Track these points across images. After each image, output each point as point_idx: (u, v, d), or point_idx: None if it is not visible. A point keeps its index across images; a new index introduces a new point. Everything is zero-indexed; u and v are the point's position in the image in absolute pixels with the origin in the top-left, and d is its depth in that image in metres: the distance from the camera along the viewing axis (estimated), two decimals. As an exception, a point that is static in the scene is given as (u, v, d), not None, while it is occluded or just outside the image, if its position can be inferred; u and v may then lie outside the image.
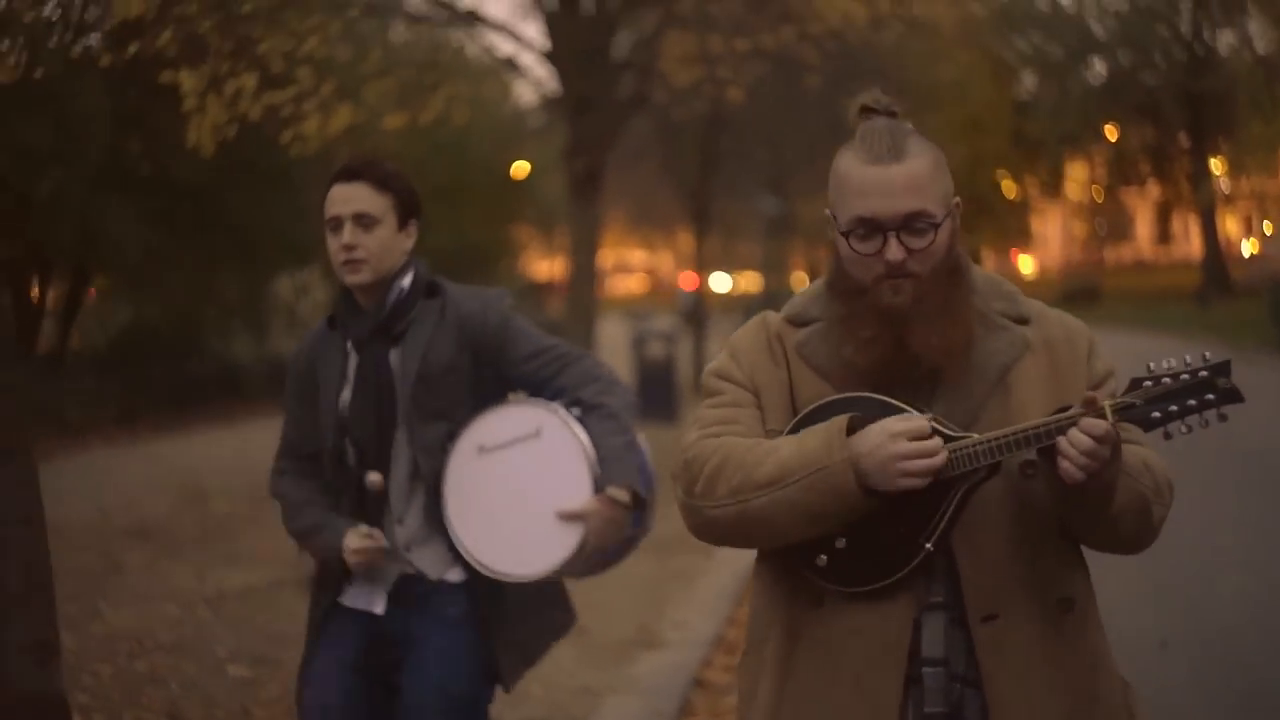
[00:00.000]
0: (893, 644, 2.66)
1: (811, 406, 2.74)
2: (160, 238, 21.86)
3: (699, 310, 31.48)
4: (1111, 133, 57.51)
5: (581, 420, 3.81)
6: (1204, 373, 2.60)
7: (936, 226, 2.68)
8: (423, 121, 13.28)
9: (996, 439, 2.61)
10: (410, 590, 3.84)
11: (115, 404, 22.44)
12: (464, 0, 14.94)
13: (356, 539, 3.79)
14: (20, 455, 5.40)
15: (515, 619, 3.89)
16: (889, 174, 2.66)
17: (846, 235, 2.70)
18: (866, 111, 2.78)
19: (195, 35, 11.17)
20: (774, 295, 38.71)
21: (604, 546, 3.78)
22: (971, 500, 2.65)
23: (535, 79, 18.03)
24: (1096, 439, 2.54)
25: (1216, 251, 54.72)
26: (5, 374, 5.45)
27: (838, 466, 2.59)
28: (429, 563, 3.83)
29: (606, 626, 8.52)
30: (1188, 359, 2.62)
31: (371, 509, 3.83)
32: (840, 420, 2.65)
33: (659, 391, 22.12)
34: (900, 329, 2.67)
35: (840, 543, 2.67)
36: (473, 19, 14.82)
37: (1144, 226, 72.30)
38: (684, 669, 7.61)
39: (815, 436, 2.65)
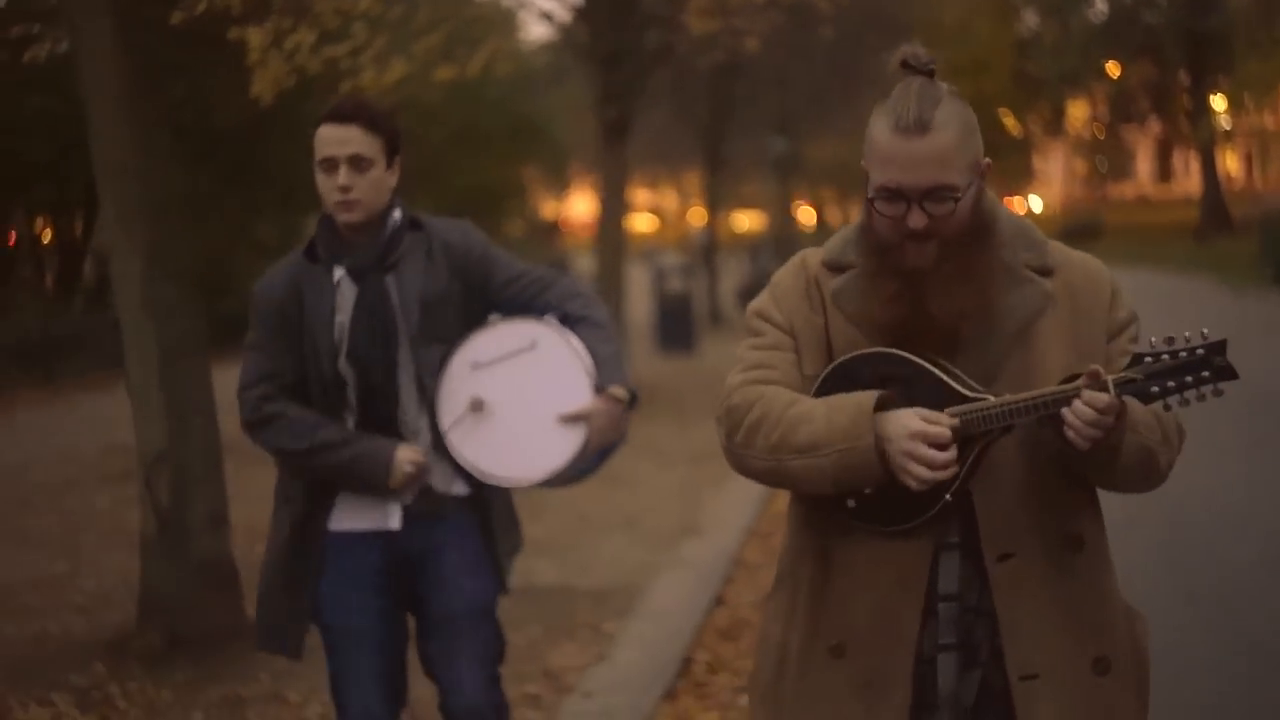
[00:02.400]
0: (912, 579, 2.79)
1: (842, 359, 2.82)
2: (202, 182, 22.98)
3: (710, 247, 32.66)
4: (1113, 70, 58.05)
5: (572, 330, 3.97)
6: (1201, 351, 2.68)
7: (958, 199, 2.72)
8: (470, 74, 14.41)
9: (1009, 404, 2.71)
10: (421, 504, 3.95)
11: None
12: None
13: (411, 452, 3.89)
14: (199, 359, 6.65)
15: (502, 529, 4.10)
16: (913, 147, 2.70)
17: (873, 198, 2.77)
18: (905, 68, 2.78)
19: (260, -7, 12.36)
20: (782, 236, 39.84)
21: (606, 444, 3.94)
22: (989, 449, 2.77)
23: (564, 27, 19.02)
24: (1099, 410, 2.64)
25: (1216, 188, 55.42)
26: (188, 295, 6.69)
27: (864, 448, 2.69)
28: (438, 477, 3.95)
29: (655, 520, 9.81)
30: (1187, 336, 2.70)
31: (383, 423, 3.93)
32: (868, 399, 2.73)
33: (678, 323, 23.41)
34: (920, 290, 2.75)
35: (868, 490, 2.79)
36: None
37: (1145, 163, 73.06)
38: (724, 550, 8.88)
39: (845, 412, 2.73)
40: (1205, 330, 2.69)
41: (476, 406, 3.92)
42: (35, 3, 13.66)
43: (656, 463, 12.22)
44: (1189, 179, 66.43)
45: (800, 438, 2.74)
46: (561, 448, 3.89)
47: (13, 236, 26.08)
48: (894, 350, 2.77)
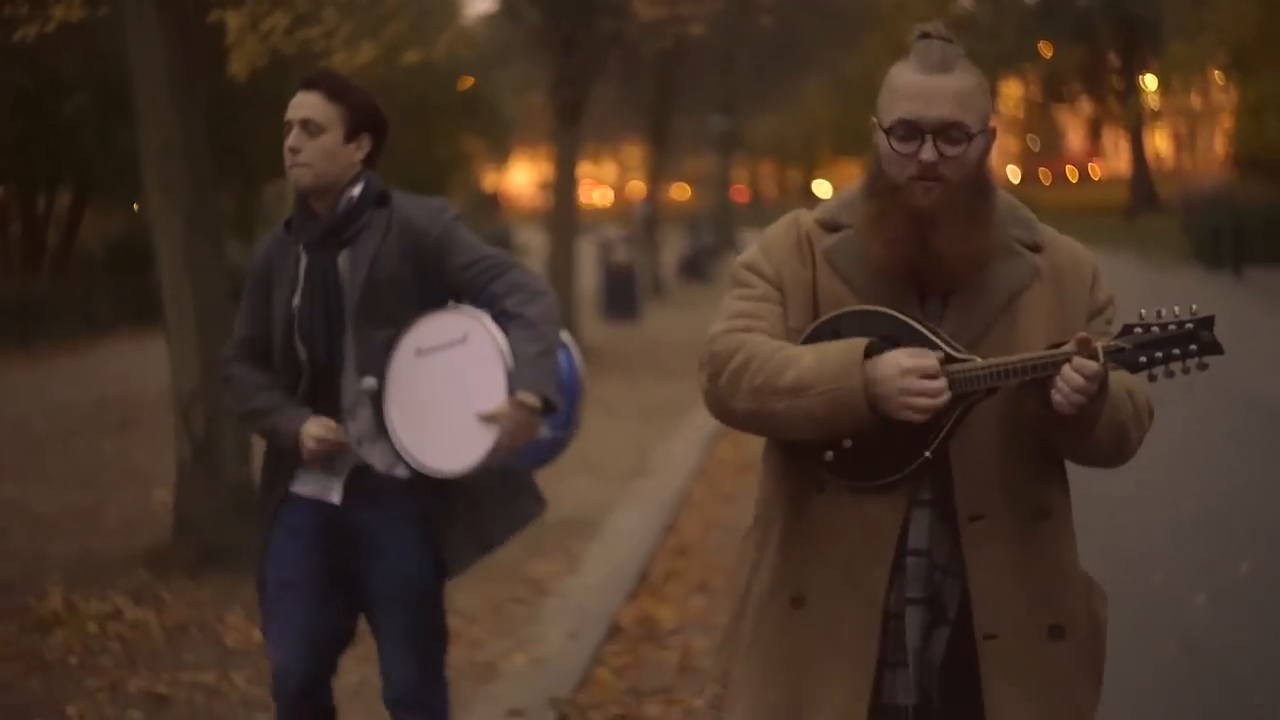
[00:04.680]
0: (883, 534, 2.83)
1: (829, 315, 2.86)
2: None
3: (653, 222, 33.74)
4: (1046, 51, 59.26)
5: (503, 328, 3.94)
6: (1190, 325, 2.74)
7: (970, 137, 2.81)
8: (435, 57, 15.45)
9: (997, 366, 2.75)
10: (363, 483, 4.00)
11: (128, 304, 24.59)
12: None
13: (318, 427, 3.95)
14: (227, 307, 7.72)
15: (470, 509, 4.06)
16: (934, 83, 2.81)
17: (888, 134, 2.83)
18: (924, 36, 2.88)
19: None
20: (720, 210, 41.02)
21: (516, 446, 3.91)
22: (970, 411, 2.81)
23: (515, 10, 20.02)
24: (1087, 378, 2.70)
25: (1144, 168, 56.82)
26: (218, 253, 7.77)
27: (854, 389, 2.72)
28: (378, 457, 3.98)
29: (611, 464, 10.99)
30: (1176, 310, 2.76)
31: (324, 405, 3.98)
32: (859, 343, 2.76)
33: (622, 293, 24.56)
34: (926, 229, 2.79)
35: (847, 443, 2.82)
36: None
37: (1076, 142, 74.57)
38: (673, 488, 10.11)
39: (835, 355, 2.77)
40: (1194, 306, 2.78)
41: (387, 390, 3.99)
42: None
43: (608, 416, 13.37)
44: (1119, 159, 67.74)
45: (787, 380, 2.78)
46: (476, 445, 3.90)
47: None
48: (883, 309, 2.83)
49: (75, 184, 28.11)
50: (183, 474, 7.80)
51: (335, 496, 4.01)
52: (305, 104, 3.94)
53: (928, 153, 2.78)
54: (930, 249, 2.79)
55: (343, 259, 3.97)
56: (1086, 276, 2.96)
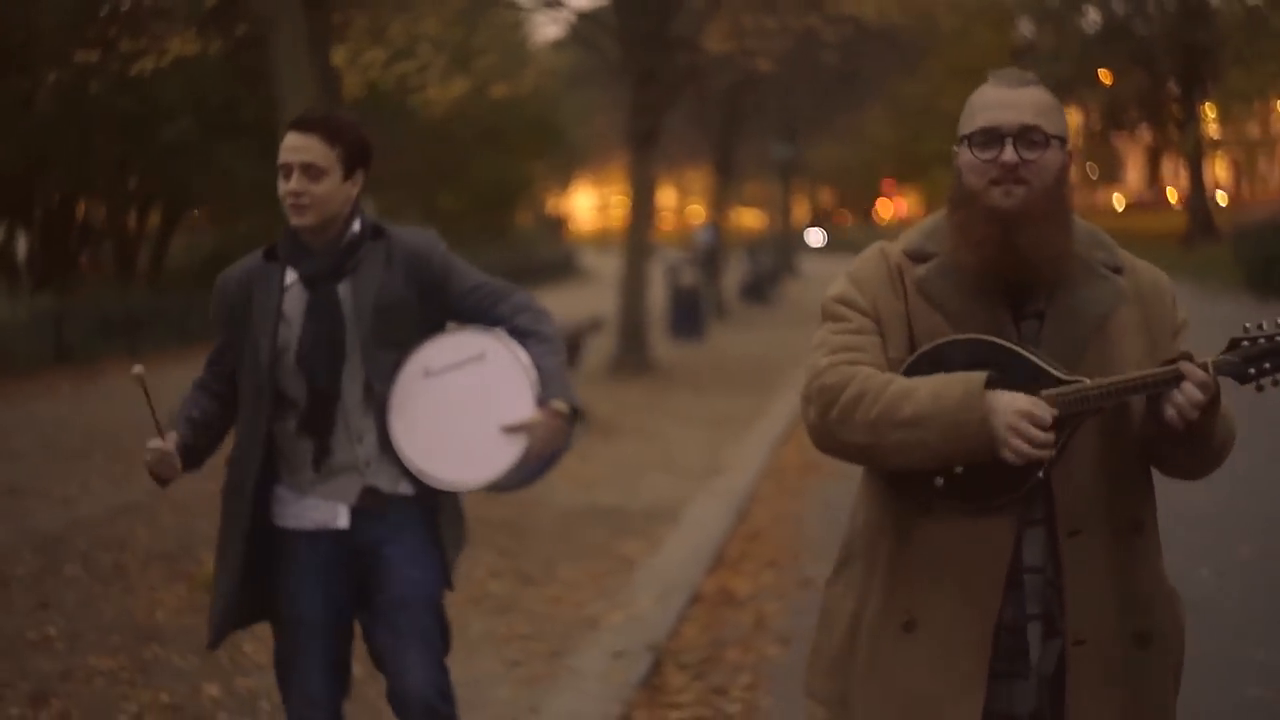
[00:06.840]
0: (997, 553, 2.90)
1: (930, 345, 2.92)
2: (262, 174, 25.28)
3: (716, 245, 34.76)
4: (1106, 78, 59.70)
5: (520, 344, 4.08)
6: None
7: (1049, 140, 2.89)
8: (521, 92, 16.69)
9: (1109, 386, 2.82)
10: (371, 503, 4.06)
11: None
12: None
13: (155, 442, 3.90)
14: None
15: (448, 527, 4.21)
16: (1013, 93, 2.92)
17: (969, 141, 2.92)
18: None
19: (347, 18, 14.65)
20: (781, 235, 41.99)
21: (545, 454, 4.05)
22: (1077, 432, 2.88)
23: (593, 43, 21.14)
24: (1204, 393, 2.79)
25: (1202, 197, 57.17)
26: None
27: (974, 422, 2.79)
28: (384, 478, 4.06)
29: (685, 463, 12.10)
30: (1278, 321, 2.83)
31: (323, 426, 4.04)
32: (979, 377, 2.81)
33: (689, 314, 25.64)
34: (1009, 230, 2.86)
35: (959, 469, 2.88)
36: (558, 3, 18.15)
37: (1135, 170, 74.95)
38: (744, 484, 11.19)
39: (955, 388, 2.82)
40: None
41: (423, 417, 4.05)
42: (142, 23, 15.78)
43: (681, 424, 14.57)
44: (1178, 187, 67.97)
45: (904, 412, 2.83)
46: (502, 456, 4.01)
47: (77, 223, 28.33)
48: (984, 337, 2.89)
49: (166, 204, 29.60)
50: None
51: (342, 521, 4.09)
52: (304, 147, 3.98)
53: (1008, 154, 2.86)
54: (1014, 249, 2.86)
55: (343, 289, 4.04)
56: (1168, 298, 3.05)
